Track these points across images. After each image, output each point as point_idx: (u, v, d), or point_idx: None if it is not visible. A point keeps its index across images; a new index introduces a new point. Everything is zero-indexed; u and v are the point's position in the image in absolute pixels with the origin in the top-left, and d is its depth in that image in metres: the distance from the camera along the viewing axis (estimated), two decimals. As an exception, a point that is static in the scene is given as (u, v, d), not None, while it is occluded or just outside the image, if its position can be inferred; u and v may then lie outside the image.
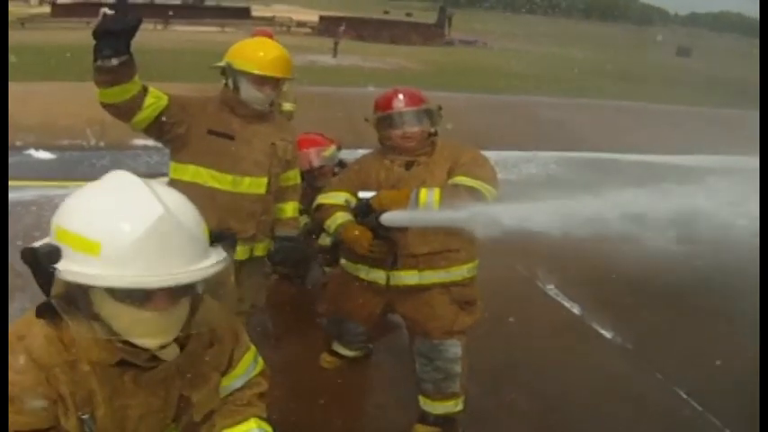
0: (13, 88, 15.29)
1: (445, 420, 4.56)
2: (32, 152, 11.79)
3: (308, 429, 4.63)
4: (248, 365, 2.53)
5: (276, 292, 6.34)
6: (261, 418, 2.50)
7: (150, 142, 4.36)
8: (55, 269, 1.79)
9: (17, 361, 1.92)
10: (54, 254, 1.81)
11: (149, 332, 1.93)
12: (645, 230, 3.35)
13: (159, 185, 1.96)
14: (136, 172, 1.99)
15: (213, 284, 2.07)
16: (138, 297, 1.86)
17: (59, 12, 42.59)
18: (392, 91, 4.52)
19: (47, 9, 47.09)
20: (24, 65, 18.89)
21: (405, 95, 4.45)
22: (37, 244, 1.85)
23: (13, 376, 1.90)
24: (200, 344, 2.25)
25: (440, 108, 4.51)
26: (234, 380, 2.48)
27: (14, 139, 11.83)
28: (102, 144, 12.04)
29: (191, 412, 2.31)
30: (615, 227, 3.36)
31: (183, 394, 2.25)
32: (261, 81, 4.20)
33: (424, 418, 4.59)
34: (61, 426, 2.00)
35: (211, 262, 1.94)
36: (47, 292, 1.85)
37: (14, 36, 29.57)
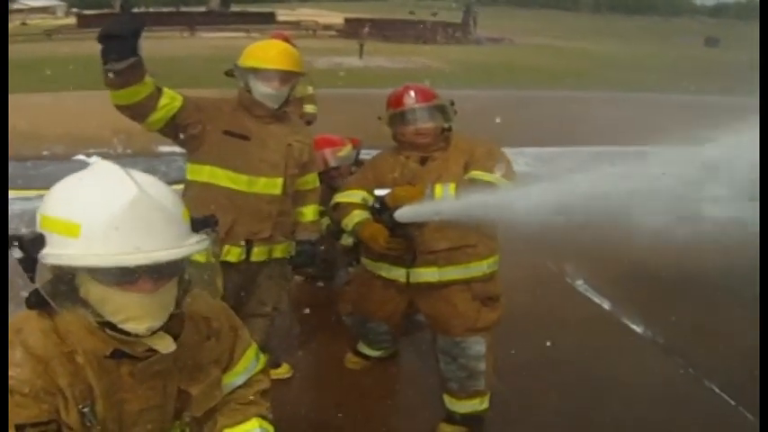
0: (41, 99, 15.57)
1: (471, 419, 4.52)
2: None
3: (335, 430, 4.63)
4: (250, 362, 2.51)
5: (302, 294, 6.35)
6: (263, 417, 2.48)
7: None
8: (37, 255, 1.82)
9: (14, 354, 1.92)
10: (37, 241, 1.83)
11: (135, 316, 1.93)
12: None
13: (139, 173, 1.98)
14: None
15: (198, 269, 2.11)
16: (122, 279, 1.87)
17: (85, 22, 43.00)
18: (403, 88, 4.51)
19: (73, 20, 47.62)
20: (51, 76, 19.11)
21: (416, 92, 4.44)
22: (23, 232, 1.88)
23: (11, 369, 1.90)
24: (197, 337, 2.24)
25: (452, 103, 4.48)
26: (235, 377, 2.46)
27: (42, 149, 11.95)
28: (129, 151, 12.13)
29: (191, 408, 2.29)
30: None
31: (181, 389, 2.23)
32: (267, 76, 4.21)
33: (450, 417, 4.56)
34: (62, 419, 1.98)
35: (192, 243, 1.97)
36: (32, 279, 1.87)
37: (41, 47, 30.04)
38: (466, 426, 4.52)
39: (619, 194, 3.39)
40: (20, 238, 1.83)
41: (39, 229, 1.88)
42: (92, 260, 1.81)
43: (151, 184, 1.95)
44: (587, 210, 3.31)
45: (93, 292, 1.89)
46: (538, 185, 3.65)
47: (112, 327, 1.95)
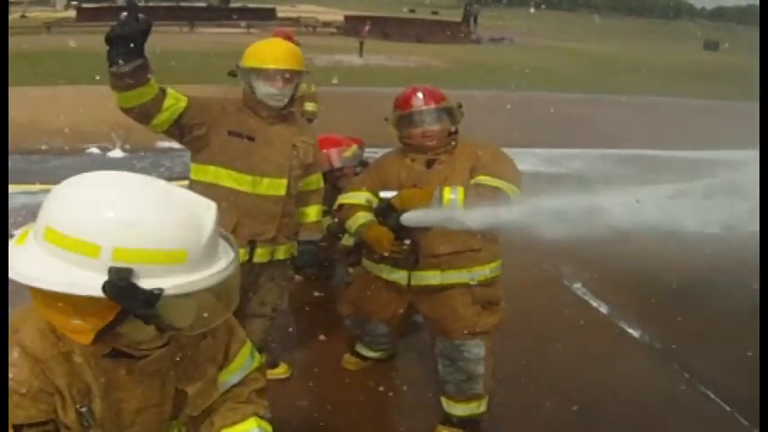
0: (39, 92, 15.52)
1: (468, 422, 4.52)
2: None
3: (332, 431, 4.62)
4: (245, 360, 2.48)
5: (300, 294, 6.34)
6: (261, 416, 2.46)
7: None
8: (160, 291, 1.73)
9: (12, 355, 1.90)
10: (130, 275, 1.73)
11: (192, 316, 1.94)
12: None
13: (156, 179, 1.92)
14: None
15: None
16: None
17: (85, 16, 42.98)
18: (411, 89, 4.48)
19: (72, 13, 47.54)
20: (49, 69, 19.07)
21: (423, 94, 4.41)
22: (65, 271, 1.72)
23: (9, 370, 1.88)
24: (193, 335, 2.20)
25: (460, 106, 4.46)
26: (231, 375, 2.43)
27: (40, 143, 11.94)
28: (128, 146, 12.16)
29: (188, 407, 2.28)
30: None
31: (178, 388, 2.22)
32: (269, 76, 4.20)
33: (447, 419, 4.55)
34: (60, 419, 1.97)
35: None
36: (146, 314, 1.79)
37: (40, 40, 29.99)
38: (463, 429, 4.51)
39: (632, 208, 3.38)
40: (117, 284, 1.71)
41: (113, 262, 1.73)
42: (213, 280, 1.82)
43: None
44: (598, 223, 3.30)
45: (174, 307, 1.84)
46: (549, 199, 3.63)
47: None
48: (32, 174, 9.70)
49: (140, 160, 11.43)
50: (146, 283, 1.72)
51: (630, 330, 6.26)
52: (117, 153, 11.94)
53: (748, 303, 6.28)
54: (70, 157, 11.32)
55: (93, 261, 1.71)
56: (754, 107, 4.41)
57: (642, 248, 6.40)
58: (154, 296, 1.72)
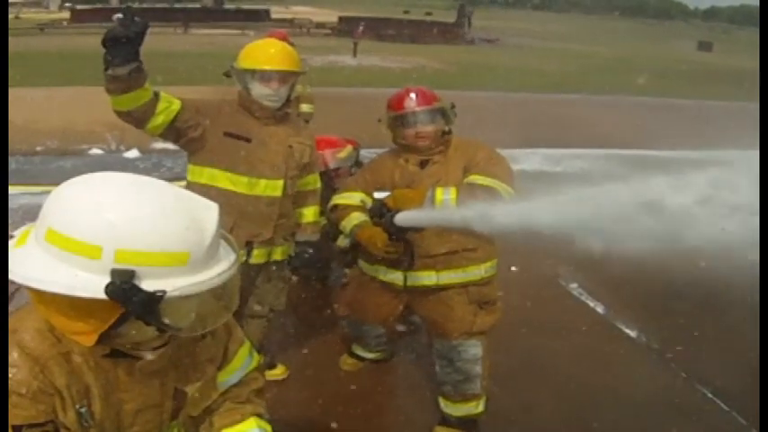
0: (34, 93, 15.50)
1: (466, 422, 4.52)
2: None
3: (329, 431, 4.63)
4: (244, 360, 2.47)
5: (297, 294, 6.32)
6: (260, 415, 2.45)
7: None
8: (162, 293, 1.72)
9: (11, 355, 1.89)
10: (132, 277, 1.71)
11: (193, 317, 1.94)
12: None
13: (162, 181, 1.90)
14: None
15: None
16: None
17: (78, 17, 42.93)
18: (404, 90, 4.46)
19: (66, 15, 47.48)
20: (44, 70, 19.04)
21: (417, 94, 4.39)
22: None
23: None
24: (192, 336, 2.20)
25: (453, 106, 4.45)
26: (230, 375, 2.42)
27: (36, 144, 11.92)
28: (122, 146, 12.16)
29: (188, 407, 2.28)
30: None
31: (178, 388, 2.21)
32: (265, 76, 4.19)
33: (445, 420, 4.56)
34: (59, 419, 1.96)
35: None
36: (150, 317, 1.77)
37: (34, 41, 29.93)
38: (461, 429, 4.52)
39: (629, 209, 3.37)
40: (122, 286, 1.70)
41: (116, 264, 1.72)
42: (215, 281, 1.81)
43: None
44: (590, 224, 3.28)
45: (176, 308, 1.84)
46: (541, 198, 3.61)
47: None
48: (35, 175, 9.71)
49: (143, 161, 11.44)
50: (148, 285, 1.71)
51: (627, 330, 6.26)
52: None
53: (746, 302, 6.30)
54: (75, 158, 11.35)
55: (95, 263, 1.69)
56: (749, 107, 4.42)
57: (639, 248, 6.40)
58: (156, 298, 1.71)
